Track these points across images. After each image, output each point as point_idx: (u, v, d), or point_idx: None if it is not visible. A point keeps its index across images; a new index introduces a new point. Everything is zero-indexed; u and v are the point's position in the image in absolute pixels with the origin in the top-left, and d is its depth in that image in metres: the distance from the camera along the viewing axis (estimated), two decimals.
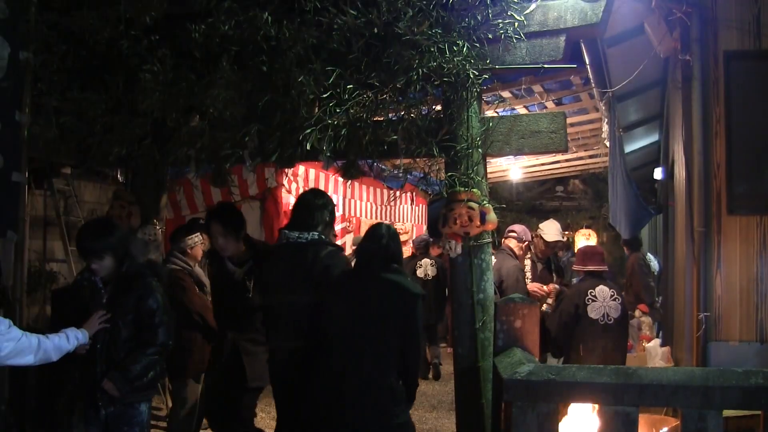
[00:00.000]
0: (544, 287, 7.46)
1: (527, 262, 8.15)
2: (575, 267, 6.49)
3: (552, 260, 8.55)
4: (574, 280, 6.53)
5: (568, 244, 14.52)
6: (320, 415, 4.19)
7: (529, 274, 8.19)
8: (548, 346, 6.34)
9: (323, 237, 4.60)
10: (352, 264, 4.62)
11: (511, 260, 7.21)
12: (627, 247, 10.41)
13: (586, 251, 6.54)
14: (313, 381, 4.23)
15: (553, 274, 8.36)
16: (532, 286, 7.53)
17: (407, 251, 11.57)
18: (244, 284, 5.23)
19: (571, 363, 5.85)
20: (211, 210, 5.88)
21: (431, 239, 10.98)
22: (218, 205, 6.27)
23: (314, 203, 4.67)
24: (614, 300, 6.00)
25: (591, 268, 6.20)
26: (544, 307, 6.95)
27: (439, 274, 10.26)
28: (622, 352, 6.25)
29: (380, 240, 4.32)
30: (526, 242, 7.46)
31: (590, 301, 5.96)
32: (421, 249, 10.60)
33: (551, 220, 8.17)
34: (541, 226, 8.07)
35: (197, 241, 6.22)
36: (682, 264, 5.85)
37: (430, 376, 10.02)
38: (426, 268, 10.24)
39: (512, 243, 7.42)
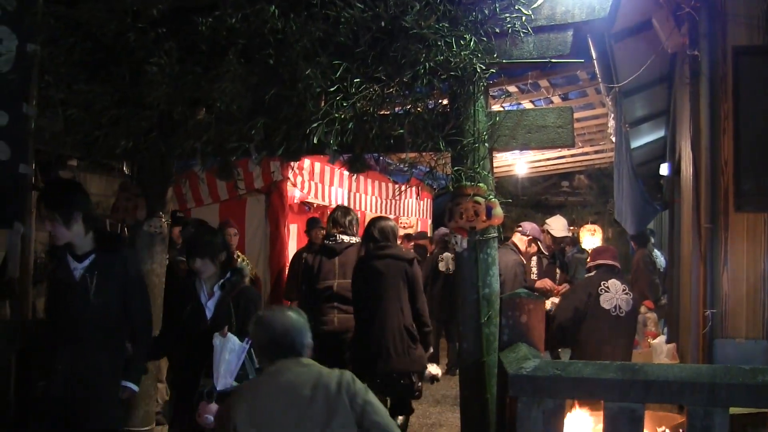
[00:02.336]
0: (557, 286, 7.48)
1: (533, 258, 8.17)
2: (589, 264, 6.50)
3: (557, 256, 8.57)
4: (587, 276, 6.53)
5: (575, 240, 14.51)
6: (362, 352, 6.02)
7: (534, 269, 8.20)
8: (552, 341, 6.31)
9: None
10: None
11: (512, 255, 7.21)
12: (634, 242, 10.40)
13: (600, 248, 6.64)
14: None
15: (558, 270, 8.38)
16: (542, 283, 7.54)
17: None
18: (84, 284, 4.34)
19: (579, 353, 5.85)
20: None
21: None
22: (46, 182, 5.92)
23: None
24: (626, 294, 6.02)
25: (604, 261, 6.24)
26: (548, 305, 6.95)
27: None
28: (630, 345, 6.26)
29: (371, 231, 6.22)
30: (531, 237, 7.45)
31: (603, 291, 5.98)
32: (442, 243, 10.55)
33: (558, 215, 8.21)
34: (548, 221, 8.09)
35: None
36: (688, 260, 5.84)
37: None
38: (447, 262, 10.15)
39: (516, 238, 7.43)
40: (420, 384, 6.15)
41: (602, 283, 6.05)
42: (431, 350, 6.61)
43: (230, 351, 4.16)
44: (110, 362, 4.42)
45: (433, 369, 6.53)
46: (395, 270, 6.04)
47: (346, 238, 6.68)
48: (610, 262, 6.24)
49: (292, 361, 3.39)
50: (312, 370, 3.35)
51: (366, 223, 6.67)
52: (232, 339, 4.19)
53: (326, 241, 6.81)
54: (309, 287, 6.69)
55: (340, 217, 6.79)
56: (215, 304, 4.64)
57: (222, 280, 4.68)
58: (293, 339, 3.43)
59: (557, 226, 7.90)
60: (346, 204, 11.19)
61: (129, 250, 4.89)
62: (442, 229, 11.53)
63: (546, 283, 7.59)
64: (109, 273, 4.38)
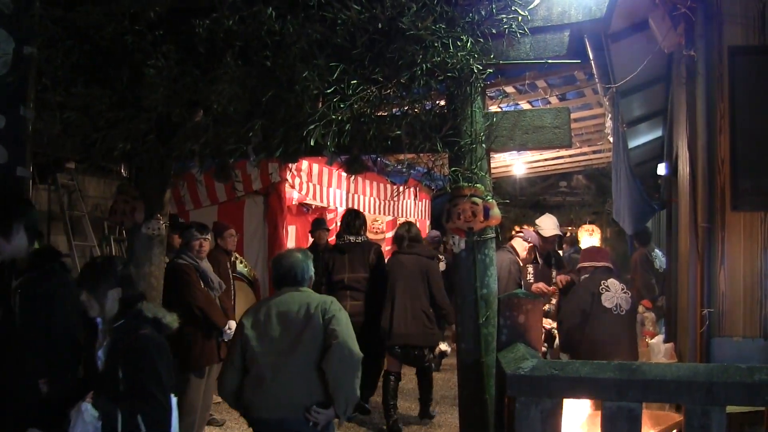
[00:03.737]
0: (549, 287, 7.51)
1: (530, 267, 8.19)
2: (582, 264, 6.51)
3: (551, 254, 8.59)
4: (583, 277, 6.55)
5: (573, 240, 14.51)
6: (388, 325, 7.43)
7: (531, 271, 8.21)
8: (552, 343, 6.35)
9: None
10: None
11: (508, 254, 7.24)
12: (636, 240, 10.40)
13: (594, 249, 6.70)
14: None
15: (553, 269, 8.40)
16: (536, 287, 7.57)
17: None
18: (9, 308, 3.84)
19: (583, 353, 5.87)
20: None
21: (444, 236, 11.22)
22: None
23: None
24: (625, 293, 6.11)
25: (601, 263, 6.32)
26: (546, 306, 6.98)
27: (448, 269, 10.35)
28: (634, 342, 6.32)
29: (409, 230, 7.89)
30: (532, 244, 7.47)
31: (604, 290, 6.06)
32: (434, 245, 10.72)
33: (547, 214, 8.23)
34: (537, 222, 8.11)
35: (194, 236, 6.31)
36: (685, 260, 5.84)
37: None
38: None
39: (517, 243, 7.44)
40: (431, 356, 7.65)
41: (602, 282, 6.12)
42: (453, 327, 7.58)
43: (82, 424, 3.40)
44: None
45: (443, 346, 7.83)
46: (418, 264, 7.59)
47: (352, 238, 7.96)
48: (605, 264, 6.30)
49: (293, 288, 4.56)
50: (303, 295, 4.53)
51: (397, 226, 8.80)
52: (86, 410, 3.41)
53: (338, 242, 8.08)
54: (327, 280, 7.91)
55: (352, 220, 8.07)
56: (105, 354, 3.72)
57: (116, 324, 3.72)
58: (295, 273, 4.58)
59: (547, 225, 7.93)
60: (343, 205, 11.23)
61: (64, 275, 4.07)
62: (433, 232, 11.64)
63: (540, 286, 7.62)
64: (32, 294, 3.82)
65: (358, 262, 7.83)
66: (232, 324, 6.34)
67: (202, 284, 6.20)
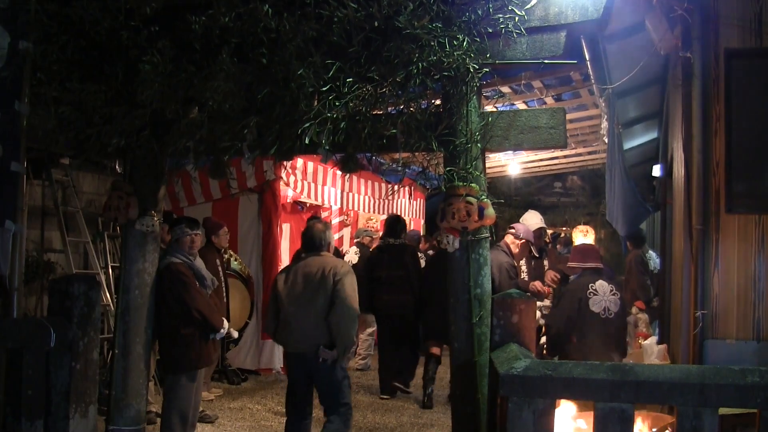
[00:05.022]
0: (546, 288, 7.52)
1: (523, 265, 8.21)
2: (571, 264, 6.50)
3: (543, 248, 8.67)
4: (572, 278, 6.55)
5: (567, 240, 14.51)
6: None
7: (524, 268, 8.23)
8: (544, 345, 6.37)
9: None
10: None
11: (505, 257, 7.25)
12: (630, 242, 10.39)
13: (583, 249, 6.61)
14: None
15: (545, 263, 8.47)
16: (533, 286, 7.57)
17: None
18: None
19: (569, 357, 5.87)
20: None
21: (423, 235, 11.39)
22: None
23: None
24: (614, 295, 6.08)
25: (590, 264, 6.25)
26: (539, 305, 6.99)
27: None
28: (623, 345, 6.30)
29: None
30: (524, 240, 7.48)
31: (591, 294, 6.03)
32: (414, 243, 10.68)
33: (530, 210, 8.33)
34: (521, 219, 8.16)
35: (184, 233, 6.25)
36: (679, 261, 5.85)
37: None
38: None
39: (509, 239, 7.45)
40: None
41: (590, 285, 6.09)
42: None
43: None
44: None
45: None
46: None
47: (392, 240, 9.05)
48: (596, 265, 6.28)
49: (315, 254, 5.83)
50: (322, 259, 5.77)
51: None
52: None
53: (381, 243, 9.33)
54: (369, 275, 8.96)
55: (393, 224, 9.20)
56: None
57: None
58: (316, 241, 5.86)
59: (531, 220, 8.00)
60: (338, 204, 11.23)
61: None
62: (413, 231, 11.71)
63: (537, 285, 7.61)
64: None
65: (395, 261, 8.87)
66: (226, 324, 6.33)
67: (197, 285, 6.16)
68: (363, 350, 10.71)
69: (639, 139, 11.27)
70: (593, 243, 8.47)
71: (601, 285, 6.10)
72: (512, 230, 7.53)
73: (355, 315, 5.55)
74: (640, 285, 9.61)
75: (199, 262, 6.34)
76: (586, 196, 20.17)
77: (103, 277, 8.49)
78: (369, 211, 12.82)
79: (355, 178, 11.63)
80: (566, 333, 6.09)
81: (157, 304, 5.62)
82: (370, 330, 10.58)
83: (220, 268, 7.73)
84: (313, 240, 5.88)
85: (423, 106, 4.64)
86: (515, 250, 7.42)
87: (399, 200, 13.62)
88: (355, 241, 11.26)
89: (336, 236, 11.71)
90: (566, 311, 6.16)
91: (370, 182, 12.40)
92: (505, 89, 7.96)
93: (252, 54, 4.55)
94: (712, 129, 5.05)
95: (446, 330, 7.19)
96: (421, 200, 14.86)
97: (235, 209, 9.85)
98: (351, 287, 5.58)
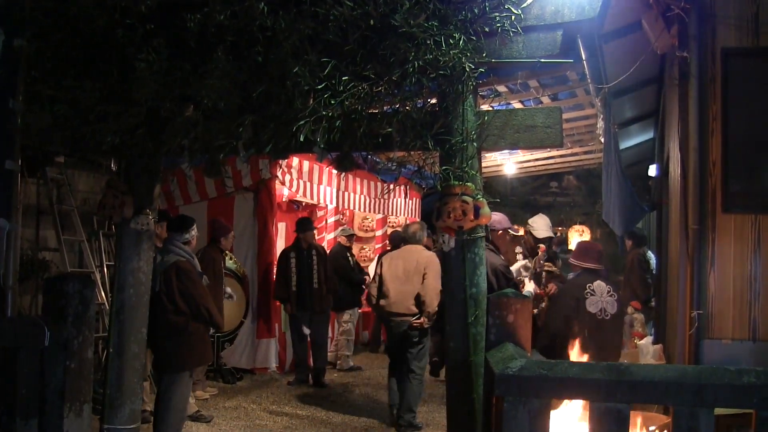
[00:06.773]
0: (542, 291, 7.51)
1: (519, 257, 8.18)
2: (572, 260, 6.48)
3: (548, 252, 8.63)
4: (570, 275, 6.53)
5: (562, 240, 14.55)
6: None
7: (524, 271, 8.22)
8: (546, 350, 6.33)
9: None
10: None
11: (495, 257, 7.19)
12: (631, 241, 10.35)
13: (585, 247, 6.58)
14: None
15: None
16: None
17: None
18: None
19: (565, 357, 5.86)
20: None
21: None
22: None
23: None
24: (611, 296, 6.02)
25: (588, 265, 6.20)
26: (535, 311, 6.95)
27: None
28: (617, 347, 6.27)
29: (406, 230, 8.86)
30: (501, 230, 7.31)
31: (588, 295, 5.99)
32: (396, 243, 10.68)
33: (540, 214, 8.24)
34: (530, 221, 8.11)
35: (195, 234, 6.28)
36: (675, 261, 5.85)
37: None
38: None
39: (495, 237, 7.38)
40: None
41: (587, 285, 6.05)
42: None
43: None
44: None
45: None
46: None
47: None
48: (594, 266, 6.23)
49: (412, 245, 7.95)
50: (417, 250, 7.87)
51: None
52: None
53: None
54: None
55: (417, 230, 9.45)
56: None
57: None
58: (412, 235, 8.01)
59: (540, 226, 7.94)
60: (333, 203, 11.22)
61: None
62: (396, 230, 11.73)
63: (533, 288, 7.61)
64: None
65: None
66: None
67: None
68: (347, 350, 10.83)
69: (635, 138, 11.28)
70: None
71: (599, 285, 6.06)
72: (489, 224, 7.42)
73: (438, 292, 7.17)
74: (642, 283, 9.62)
75: (195, 261, 6.35)
76: (582, 195, 20.21)
77: (98, 276, 8.48)
78: (364, 210, 12.82)
79: (350, 177, 11.62)
80: (563, 332, 6.05)
81: (157, 303, 5.61)
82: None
83: (223, 270, 7.78)
84: (412, 235, 7.99)
85: (419, 105, 4.63)
86: (504, 247, 7.35)
87: (395, 199, 13.61)
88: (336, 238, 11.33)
89: (331, 236, 11.73)
90: (563, 310, 6.12)
91: (365, 181, 12.39)
92: (502, 88, 7.96)
93: (247, 52, 4.53)
94: (708, 128, 5.05)
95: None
96: (417, 199, 14.85)
97: (231, 208, 9.85)
98: (436, 273, 7.28)
